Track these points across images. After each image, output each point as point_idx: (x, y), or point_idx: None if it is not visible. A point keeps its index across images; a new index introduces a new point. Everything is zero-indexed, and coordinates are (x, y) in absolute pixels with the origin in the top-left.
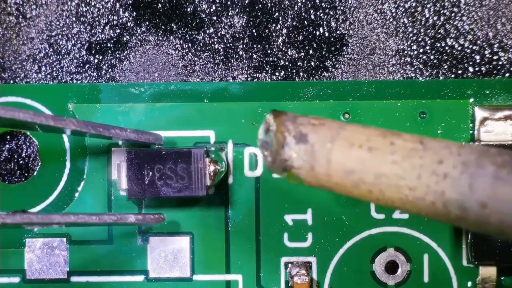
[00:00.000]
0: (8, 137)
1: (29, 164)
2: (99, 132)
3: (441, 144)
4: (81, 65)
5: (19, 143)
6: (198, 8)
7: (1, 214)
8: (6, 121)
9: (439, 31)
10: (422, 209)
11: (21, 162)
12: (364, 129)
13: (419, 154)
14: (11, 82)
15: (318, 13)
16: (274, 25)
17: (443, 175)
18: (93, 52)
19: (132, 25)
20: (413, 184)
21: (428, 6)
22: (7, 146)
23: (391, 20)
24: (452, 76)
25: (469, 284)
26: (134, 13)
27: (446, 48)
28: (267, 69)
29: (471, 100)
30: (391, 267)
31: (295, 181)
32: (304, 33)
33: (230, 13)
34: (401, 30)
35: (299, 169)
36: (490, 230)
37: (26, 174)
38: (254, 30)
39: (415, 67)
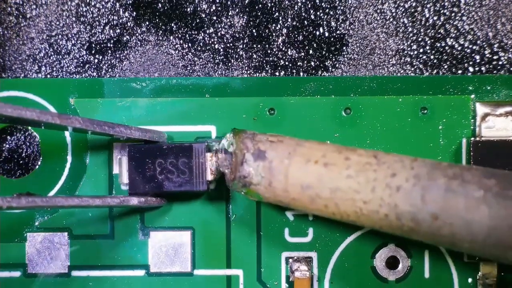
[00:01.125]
0: (10, 132)
1: (31, 159)
2: (104, 130)
3: (395, 158)
4: (81, 65)
5: (21, 138)
6: (198, 8)
7: (7, 198)
8: (12, 119)
9: (439, 31)
10: (376, 222)
11: (22, 156)
12: (320, 145)
13: (373, 168)
14: None
15: (318, 13)
16: (274, 25)
17: (396, 188)
18: (93, 52)
19: (132, 25)
20: (367, 198)
21: (428, 6)
22: (9, 140)
23: (391, 20)
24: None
25: (470, 280)
26: (134, 13)
27: (446, 48)
28: (267, 69)
29: (472, 96)
30: (392, 262)
31: (254, 198)
32: (304, 33)
33: (230, 13)
34: (401, 30)
35: (257, 185)
36: (443, 242)
37: (27, 169)
38: (254, 30)
39: (415, 67)
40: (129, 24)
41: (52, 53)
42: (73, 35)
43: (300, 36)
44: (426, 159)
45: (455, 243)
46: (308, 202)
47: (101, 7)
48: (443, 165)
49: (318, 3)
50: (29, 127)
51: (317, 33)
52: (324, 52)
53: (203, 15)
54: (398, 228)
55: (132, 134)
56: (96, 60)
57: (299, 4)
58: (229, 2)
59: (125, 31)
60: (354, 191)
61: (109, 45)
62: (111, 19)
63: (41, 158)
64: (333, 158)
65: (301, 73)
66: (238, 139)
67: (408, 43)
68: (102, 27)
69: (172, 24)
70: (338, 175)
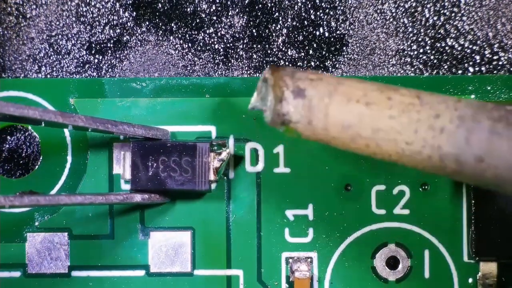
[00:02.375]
0: (10, 132)
1: (31, 159)
2: (107, 128)
3: (438, 98)
4: (81, 65)
5: (21, 138)
6: (198, 8)
7: (9, 197)
8: (14, 117)
9: (439, 31)
10: (419, 162)
11: (22, 156)
12: (361, 84)
13: (416, 109)
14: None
15: (318, 13)
16: (274, 25)
17: (440, 130)
18: (93, 52)
19: (132, 25)
20: (410, 139)
21: (428, 6)
22: (9, 140)
23: (391, 20)
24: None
25: (470, 280)
26: (134, 13)
27: (446, 48)
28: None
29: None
30: (392, 262)
31: (293, 135)
32: (304, 33)
33: (230, 13)
34: (401, 30)
35: (296, 123)
36: (486, 184)
37: (27, 169)
38: (254, 30)
39: (415, 67)
40: (129, 24)
41: (52, 53)
42: (73, 35)
43: (300, 36)
44: (470, 99)
45: (499, 185)
46: (349, 141)
47: (101, 7)
48: (488, 107)
49: (318, 3)
50: (29, 127)
51: (317, 33)
52: (324, 52)
53: (203, 15)
54: (441, 170)
55: (135, 132)
56: (96, 60)
57: (299, 4)
58: (229, 2)
59: (125, 31)
60: (396, 132)
61: (109, 45)
62: (111, 19)
63: (41, 158)
64: (375, 98)
65: None
66: (277, 75)
67: (408, 43)
68: (102, 27)
69: (172, 24)
70: (380, 115)
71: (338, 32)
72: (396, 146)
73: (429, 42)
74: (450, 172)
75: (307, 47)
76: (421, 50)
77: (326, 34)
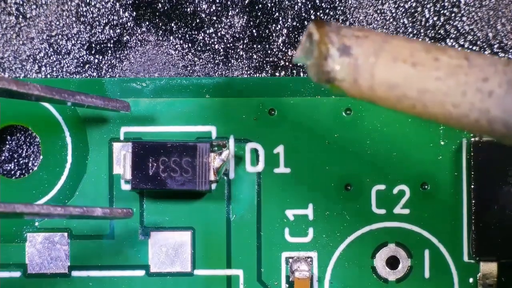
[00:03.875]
0: (10, 132)
1: (31, 159)
2: (64, 98)
3: (487, 61)
4: (81, 65)
5: (21, 138)
6: (198, 8)
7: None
8: None
9: (439, 31)
10: (466, 125)
11: (22, 156)
12: (408, 43)
13: (464, 71)
14: None
15: (318, 13)
16: (274, 25)
17: (488, 93)
18: (93, 52)
19: (132, 25)
20: (457, 101)
21: (428, 6)
22: (9, 140)
23: (391, 20)
24: None
25: (471, 280)
26: (134, 13)
27: None
28: (267, 69)
29: None
30: (392, 262)
31: (338, 92)
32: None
33: (230, 13)
34: (401, 30)
35: (342, 81)
36: None
37: (27, 169)
38: (254, 30)
39: None
40: (129, 24)
41: (52, 53)
42: (73, 35)
43: (300, 36)
44: None
45: None
46: (394, 101)
47: (101, 7)
48: None
49: (318, 3)
50: (29, 127)
51: None
52: None
53: (203, 15)
54: (490, 133)
55: (93, 102)
56: (96, 60)
57: (299, 4)
58: (229, 2)
59: (125, 31)
60: (443, 94)
61: (109, 45)
62: (111, 19)
63: (41, 158)
64: (422, 58)
65: (301, 74)
66: (322, 31)
67: None
68: (102, 27)
69: (172, 24)
70: (427, 76)
71: None
72: (443, 109)
73: (429, 42)
74: (498, 135)
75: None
76: None
77: None
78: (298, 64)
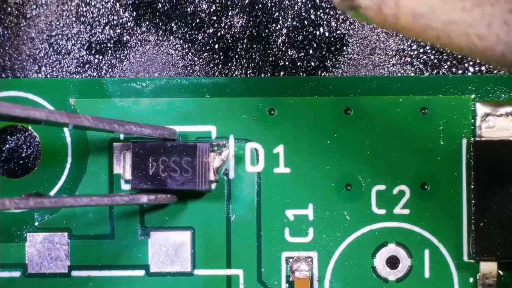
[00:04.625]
0: (10, 132)
1: (31, 159)
2: (113, 128)
3: None
4: (81, 65)
5: (21, 138)
6: (198, 8)
7: (14, 199)
8: (20, 119)
9: None
10: (491, 58)
11: (22, 156)
12: None
13: (490, 2)
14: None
15: (318, 13)
16: (274, 25)
17: None
18: (93, 52)
19: (132, 25)
20: (482, 33)
21: None
22: (9, 140)
23: None
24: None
25: (471, 280)
26: (134, 13)
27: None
28: (267, 69)
29: (473, 96)
30: (392, 262)
31: (362, 19)
32: (304, 33)
33: (230, 13)
34: None
35: (366, 9)
36: None
37: (27, 169)
38: (254, 30)
39: (415, 67)
40: (129, 24)
41: (52, 53)
42: (73, 35)
43: (300, 36)
44: None
45: None
46: (419, 31)
47: (101, 7)
48: None
49: (318, 3)
50: (29, 127)
51: (317, 33)
52: (324, 52)
53: (203, 15)
54: None
55: (142, 131)
56: (96, 60)
57: (299, 4)
58: (229, 2)
59: (125, 31)
60: (468, 25)
61: (109, 45)
62: (111, 19)
63: (41, 158)
64: None
65: (301, 73)
66: None
67: (408, 43)
68: (102, 27)
69: (172, 24)
70: (452, 7)
71: (338, 32)
72: (468, 40)
73: None
74: None
75: (307, 47)
76: (421, 50)
77: (326, 34)
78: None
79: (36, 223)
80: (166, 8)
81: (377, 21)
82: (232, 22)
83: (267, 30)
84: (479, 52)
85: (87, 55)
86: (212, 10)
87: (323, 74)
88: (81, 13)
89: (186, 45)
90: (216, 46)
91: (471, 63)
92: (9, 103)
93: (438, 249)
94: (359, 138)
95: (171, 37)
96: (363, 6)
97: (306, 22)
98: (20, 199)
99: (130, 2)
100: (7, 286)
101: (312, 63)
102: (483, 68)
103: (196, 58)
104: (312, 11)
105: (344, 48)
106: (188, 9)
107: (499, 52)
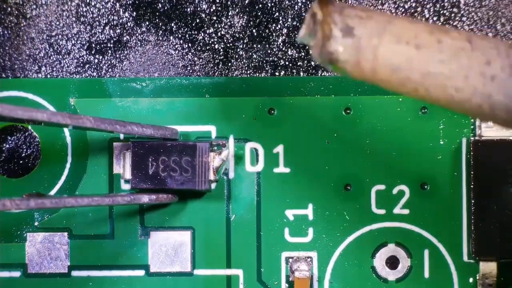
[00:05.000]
0: (10, 132)
1: (31, 159)
2: (115, 129)
3: (490, 44)
4: (81, 65)
5: (21, 138)
6: (198, 8)
7: (15, 200)
8: (21, 120)
9: None
10: (468, 110)
11: (22, 156)
12: (411, 25)
13: (467, 54)
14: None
15: None
16: (274, 25)
17: (491, 77)
18: (93, 52)
19: (132, 25)
20: (459, 85)
21: (428, 6)
22: (9, 140)
23: None
24: None
25: (471, 280)
26: (134, 13)
27: None
28: (267, 69)
29: None
30: (392, 262)
31: (340, 73)
32: None
33: (230, 13)
34: None
35: (344, 62)
36: None
37: (27, 169)
38: (254, 30)
39: None
40: (129, 24)
41: (52, 53)
42: (73, 35)
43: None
44: None
45: None
46: (397, 84)
47: (101, 7)
48: None
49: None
50: (29, 126)
51: None
52: None
53: (203, 15)
54: (492, 119)
55: (144, 132)
56: (96, 60)
57: (299, 4)
58: (229, 2)
59: (125, 31)
60: (446, 78)
61: (109, 45)
62: (111, 19)
63: (41, 158)
64: (425, 40)
65: (301, 73)
66: (326, 11)
67: None
68: (102, 27)
69: (172, 24)
70: (430, 58)
71: None
72: (445, 92)
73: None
74: (500, 121)
75: (307, 47)
76: None
77: None
78: (303, 44)
79: (36, 223)
80: (166, 8)
81: (355, 75)
82: (232, 22)
83: (267, 30)
84: (456, 104)
85: (87, 55)
86: (212, 10)
87: (323, 74)
88: (81, 13)
89: (186, 45)
90: (216, 46)
91: None
92: (11, 105)
93: (438, 249)
94: (359, 138)
95: (171, 37)
96: (342, 60)
97: None
98: (21, 199)
99: (130, 2)
100: (7, 286)
101: (312, 63)
102: None
103: (196, 58)
104: None
105: None
106: (188, 9)
107: (476, 104)
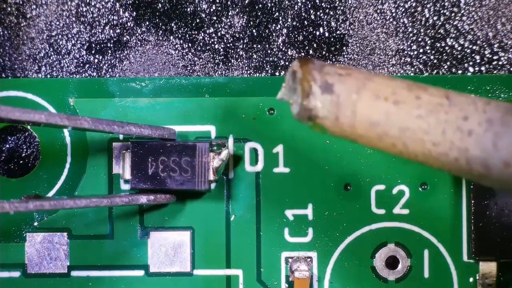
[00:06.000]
0: (10, 132)
1: (31, 159)
2: (113, 130)
3: (468, 99)
4: (81, 65)
5: (21, 138)
6: (198, 8)
7: (13, 202)
8: (20, 121)
9: (439, 31)
10: (445, 164)
11: (22, 156)
12: (390, 81)
13: (445, 110)
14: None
15: (318, 13)
16: (274, 25)
17: (468, 132)
18: (93, 52)
19: (132, 25)
20: (437, 140)
21: (428, 6)
22: (9, 140)
23: (391, 20)
24: None
25: (470, 280)
26: (134, 13)
27: (446, 48)
28: (267, 69)
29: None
30: (392, 262)
31: (319, 130)
32: (304, 33)
33: (230, 13)
34: (401, 30)
35: (324, 119)
36: None
37: (27, 169)
38: (254, 30)
39: (415, 67)
40: (129, 24)
41: (52, 53)
42: (73, 35)
43: (300, 36)
44: (500, 102)
45: None
46: (375, 139)
47: (101, 7)
48: None
49: (318, 3)
50: (29, 127)
51: (317, 33)
52: (324, 52)
53: (203, 15)
54: (468, 173)
55: (142, 132)
56: (96, 60)
57: (299, 4)
58: (229, 2)
59: (125, 31)
60: (423, 132)
61: (109, 45)
62: (111, 19)
63: (40, 158)
64: (403, 96)
65: None
66: (305, 69)
67: (408, 43)
68: (102, 27)
69: (172, 24)
70: (408, 114)
71: (338, 32)
72: (423, 147)
73: (429, 42)
74: (477, 176)
75: (307, 47)
76: (421, 50)
77: (326, 34)
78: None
79: (36, 223)
80: (166, 8)
81: (334, 131)
82: (232, 22)
83: (267, 30)
84: (433, 158)
85: (87, 55)
86: (212, 10)
87: None
88: (81, 13)
89: (186, 45)
90: (216, 46)
91: (471, 63)
92: (9, 107)
93: (437, 249)
94: None
95: (171, 37)
96: (321, 116)
97: (306, 22)
98: (19, 202)
99: (130, 2)
100: (6, 286)
101: None
102: (482, 68)
103: (196, 58)
104: (312, 11)
105: (344, 48)
106: (188, 9)
107: (452, 158)
